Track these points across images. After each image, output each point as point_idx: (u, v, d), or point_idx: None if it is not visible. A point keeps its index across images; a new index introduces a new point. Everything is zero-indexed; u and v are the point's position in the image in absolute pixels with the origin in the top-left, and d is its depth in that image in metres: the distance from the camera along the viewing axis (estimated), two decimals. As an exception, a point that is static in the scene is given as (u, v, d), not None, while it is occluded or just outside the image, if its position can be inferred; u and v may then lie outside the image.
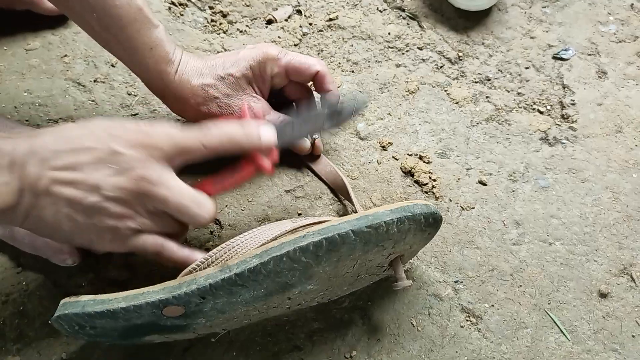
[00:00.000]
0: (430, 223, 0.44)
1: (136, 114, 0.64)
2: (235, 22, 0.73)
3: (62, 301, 0.42)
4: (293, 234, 0.41)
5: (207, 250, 0.55)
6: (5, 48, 0.69)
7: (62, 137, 0.41)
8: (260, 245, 0.42)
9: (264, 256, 0.39)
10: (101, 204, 0.40)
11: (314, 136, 0.56)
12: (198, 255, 0.44)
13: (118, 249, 0.44)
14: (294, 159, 0.60)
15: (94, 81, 0.67)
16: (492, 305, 0.51)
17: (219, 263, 0.43)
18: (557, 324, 0.50)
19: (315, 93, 0.60)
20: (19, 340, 0.50)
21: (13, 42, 0.70)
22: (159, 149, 0.42)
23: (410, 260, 0.54)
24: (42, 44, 0.70)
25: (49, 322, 0.50)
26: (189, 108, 0.55)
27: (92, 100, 0.65)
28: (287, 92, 0.57)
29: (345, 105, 0.53)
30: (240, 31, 0.72)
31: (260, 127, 0.45)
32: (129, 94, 0.66)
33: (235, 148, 0.44)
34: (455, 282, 0.52)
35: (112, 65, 0.68)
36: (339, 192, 0.58)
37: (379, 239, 0.41)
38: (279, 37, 0.71)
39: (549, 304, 0.51)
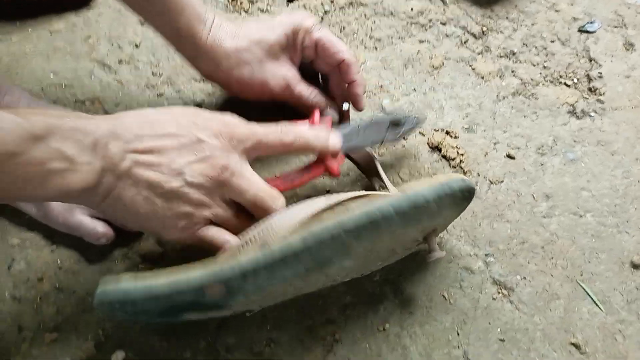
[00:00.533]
0: (465, 196, 0.45)
1: (162, 94, 0.64)
2: (256, 1, 0.72)
3: (101, 281, 0.42)
4: (332, 211, 0.42)
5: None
6: (29, 30, 0.70)
7: (145, 122, 0.42)
8: (302, 223, 0.42)
9: (304, 234, 0.40)
10: (182, 189, 0.41)
11: (344, 108, 0.56)
12: None
13: (185, 238, 0.44)
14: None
15: (119, 62, 0.67)
16: (524, 278, 0.51)
17: (257, 241, 0.43)
18: (589, 295, 0.50)
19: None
20: (56, 316, 0.51)
21: (37, 24, 0.70)
22: (241, 142, 0.44)
23: (440, 234, 0.54)
24: (66, 26, 0.70)
25: (91, 300, 0.51)
26: (220, 72, 0.54)
27: (118, 81, 0.66)
28: (316, 65, 0.57)
29: (407, 118, 0.54)
30: (261, 10, 0.72)
31: (330, 133, 0.48)
32: (153, 74, 0.66)
33: (307, 150, 0.48)
34: (486, 255, 0.53)
35: (136, 46, 0.68)
36: (366, 168, 0.58)
37: (418, 216, 0.42)
38: (300, 15, 0.71)
39: (581, 275, 0.51)
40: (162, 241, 0.55)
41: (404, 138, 0.59)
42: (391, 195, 0.42)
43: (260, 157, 0.47)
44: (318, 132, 0.48)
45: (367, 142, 0.53)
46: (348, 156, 0.57)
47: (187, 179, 0.41)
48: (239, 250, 0.43)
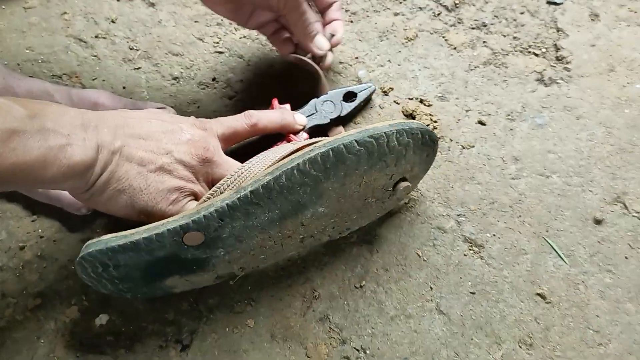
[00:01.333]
0: (426, 141, 0.46)
1: (139, 68, 0.65)
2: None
3: (85, 244, 0.43)
4: (300, 152, 0.44)
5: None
6: (3, 7, 0.69)
7: (128, 116, 0.46)
8: (270, 165, 0.44)
9: (275, 172, 0.42)
10: (172, 165, 0.45)
11: (330, 33, 0.58)
12: None
13: (173, 212, 0.46)
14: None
15: (95, 37, 0.67)
16: (494, 235, 0.54)
17: (232, 188, 0.45)
18: (555, 250, 0.53)
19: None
20: (39, 283, 0.52)
21: (11, 1, 0.70)
22: (213, 129, 0.50)
23: (413, 196, 0.56)
24: (40, 2, 0.70)
25: (73, 267, 0.52)
26: None
27: (95, 56, 0.66)
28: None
29: (360, 88, 0.60)
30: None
31: (294, 114, 0.55)
32: (130, 49, 0.67)
33: (273, 129, 0.53)
34: (458, 215, 0.55)
35: (112, 21, 0.69)
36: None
37: (382, 152, 0.44)
38: (277, -11, 0.71)
39: (547, 231, 0.54)
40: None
41: (367, 106, 0.62)
42: (353, 131, 0.44)
43: (241, 140, 0.54)
44: (282, 112, 0.55)
45: (327, 118, 0.58)
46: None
47: (175, 156, 0.45)
48: (216, 197, 0.45)
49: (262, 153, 0.48)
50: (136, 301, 0.51)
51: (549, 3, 0.69)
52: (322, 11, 0.60)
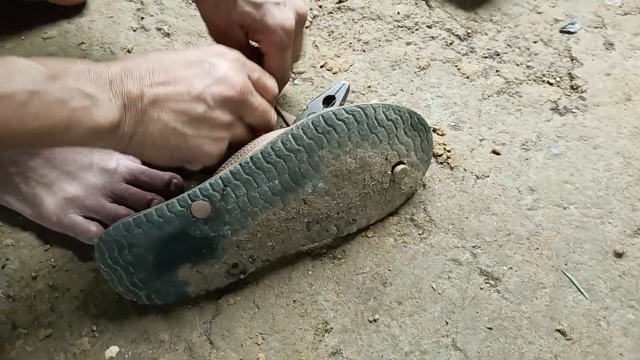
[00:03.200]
0: (416, 123, 0.50)
1: (154, 97, 0.66)
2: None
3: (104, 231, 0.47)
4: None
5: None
6: (23, 37, 0.71)
7: (153, 59, 0.43)
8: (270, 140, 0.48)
9: (271, 141, 0.46)
10: (207, 113, 0.43)
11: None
12: None
13: (214, 163, 0.48)
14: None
15: (112, 67, 0.68)
16: (510, 268, 0.52)
17: (230, 165, 0.48)
18: (574, 284, 0.51)
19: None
20: (50, 313, 0.52)
21: (30, 31, 0.72)
22: (246, 66, 0.47)
23: (427, 226, 0.55)
24: (59, 32, 0.72)
25: (85, 296, 0.52)
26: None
27: (111, 85, 0.67)
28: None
29: (336, 89, 0.57)
30: (252, 15, 0.73)
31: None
32: (146, 78, 0.67)
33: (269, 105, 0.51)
34: (473, 247, 0.54)
35: (128, 51, 0.70)
36: None
37: (371, 124, 0.47)
38: (290, 19, 0.72)
39: (565, 264, 0.52)
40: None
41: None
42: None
43: None
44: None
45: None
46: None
47: (209, 102, 0.43)
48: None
49: (264, 135, 0.51)
50: (147, 332, 0.51)
51: (563, 32, 0.69)
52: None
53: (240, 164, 0.45)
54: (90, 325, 0.51)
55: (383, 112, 0.48)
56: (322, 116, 0.46)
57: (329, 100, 0.56)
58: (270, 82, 0.51)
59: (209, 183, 0.45)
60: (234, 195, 0.46)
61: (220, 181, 0.45)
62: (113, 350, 0.50)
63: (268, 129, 0.51)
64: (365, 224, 0.54)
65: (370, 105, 0.48)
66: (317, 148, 0.47)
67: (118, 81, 0.40)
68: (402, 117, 0.50)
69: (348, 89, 0.57)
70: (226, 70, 0.44)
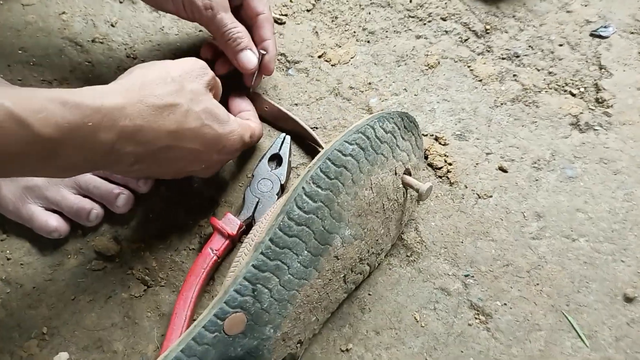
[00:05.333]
0: (408, 124, 0.47)
1: (134, 78, 0.60)
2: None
3: None
4: (297, 180, 0.41)
5: (201, 227, 0.52)
6: (1, 2, 0.66)
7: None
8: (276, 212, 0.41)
9: (285, 209, 0.39)
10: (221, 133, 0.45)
11: (261, 51, 0.53)
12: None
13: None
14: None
15: (92, 41, 0.63)
16: (505, 304, 0.47)
17: (247, 254, 0.40)
18: (574, 328, 0.46)
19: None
20: (0, 309, 0.48)
21: (10, -4, 0.66)
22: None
23: (417, 248, 0.50)
24: (39, -1, 0.66)
25: (38, 294, 0.48)
26: None
27: (89, 62, 0.62)
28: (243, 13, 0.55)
29: (278, 145, 0.53)
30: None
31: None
32: (127, 57, 0.62)
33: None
34: (466, 276, 0.48)
35: (112, 25, 0.64)
36: (298, 134, 0.56)
37: (375, 145, 0.43)
38: (290, 1, 0.66)
39: (567, 305, 0.46)
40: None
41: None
42: (337, 137, 0.43)
43: None
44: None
45: (273, 198, 0.50)
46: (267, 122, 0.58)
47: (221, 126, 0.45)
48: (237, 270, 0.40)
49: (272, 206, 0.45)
50: (100, 340, 0.47)
51: (593, 35, 0.62)
52: (250, 27, 0.54)
53: (262, 252, 0.38)
54: (41, 327, 0.47)
55: (380, 126, 0.43)
56: (329, 159, 0.40)
57: (274, 160, 0.52)
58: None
59: (234, 289, 0.38)
60: (267, 290, 0.39)
61: (247, 282, 0.38)
62: (63, 356, 0.46)
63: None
64: (390, 247, 0.49)
65: (367, 125, 0.42)
66: (335, 196, 0.41)
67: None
68: (397, 123, 0.45)
69: (290, 143, 0.53)
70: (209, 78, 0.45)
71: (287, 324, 0.40)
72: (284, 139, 0.53)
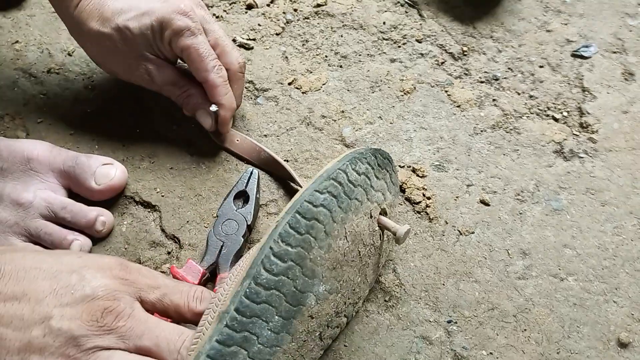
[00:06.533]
0: (382, 161, 0.43)
1: (92, 112, 0.56)
2: (211, 6, 0.64)
3: None
4: (264, 237, 0.36)
5: (164, 272, 0.48)
6: (-52, 32, 0.61)
7: (14, 259, 0.34)
8: (245, 271, 0.36)
9: (251, 273, 0.34)
10: (43, 339, 0.31)
11: (212, 109, 0.50)
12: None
13: None
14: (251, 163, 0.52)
15: (47, 72, 0.59)
16: (491, 353, 0.43)
17: (210, 323, 0.35)
18: (566, 379, 0.42)
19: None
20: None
21: (-41, 25, 0.62)
22: (139, 289, 0.35)
23: (396, 292, 0.46)
24: (-10, 27, 0.62)
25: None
26: (88, 49, 0.51)
27: (44, 94, 0.58)
28: None
29: (245, 183, 0.49)
30: (217, 16, 0.63)
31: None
32: (85, 88, 0.58)
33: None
34: (449, 322, 0.45)
35: (69, 54, 0.60)
36: (270, 167, 0.53)
37: (348, 190, 0.39)
38: (259, 24, 0.62)
39: (557, 353, 0.43)
40: None
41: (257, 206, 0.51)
42: (307, 184, 0.39)
43: None
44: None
45: (238, 240, 0.47)
46: (242, 157, 0.54)
47: (53, 324, 0.31)
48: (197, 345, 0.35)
49: (237, 265, 0.39)
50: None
51: (575, 56, 0.59)
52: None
53: (226, 325, 0.34)
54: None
55: (353, 169, 0.39)
56: (298, 212, 0.36)
57: (240, 197, 0.49)
58: (184, 299, 0.37)
59: None
60: None
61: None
62: None
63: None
64: (367, 292, 0.45)
65: (339, 170, 0.39)
66: (306, 253, 0.37)
67: None
68: (370, 162, 0.42)
69: (259, 178, 0.50)
70: (98, 287, 0.33)
71: None
72: (251, 173, 0.49)
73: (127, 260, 0.37)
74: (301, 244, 0.36)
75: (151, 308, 0.36)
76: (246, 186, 0.49)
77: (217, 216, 0.48)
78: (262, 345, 0.35)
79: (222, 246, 0.46)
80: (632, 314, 0.45)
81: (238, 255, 0.47)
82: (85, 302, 0.32)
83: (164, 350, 0.33)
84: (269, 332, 0.35)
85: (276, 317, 0.35)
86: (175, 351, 0.33)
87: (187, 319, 0.37)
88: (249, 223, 0.47)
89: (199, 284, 0.44)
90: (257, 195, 0.49)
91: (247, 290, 0.34)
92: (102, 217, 0.48)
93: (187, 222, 0.50)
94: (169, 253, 0.49)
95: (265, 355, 0.35)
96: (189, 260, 0.45)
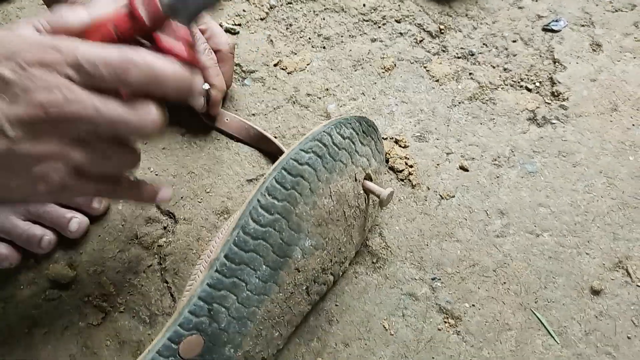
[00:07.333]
0: (367, 128, 0.45)
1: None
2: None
3: None
4: (252, 192, 0.39)
5: (160, 247, 0.50)
6: (-61, 26, 0.63)
7: None
8: (231, 228, 0.38)
9: (240, 223, 0.37)
10: (13, 149, 0.30)
11: (203, 86, 0.52)
12: (148, 188, 0.40)
13: (64, 199, 0.36)
14: (252, 147, 0.54)
15: (39, 61, 0.61)
16: (473, 305, 0.46)
17: (202, 272, 0.38)
18: (544, 325, 0.45)
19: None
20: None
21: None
22: (59, 65, 0.30)
23: (383, 254, 0.49)
24: (-20, 21, 0.64)
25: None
26: None
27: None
28: None
29: None
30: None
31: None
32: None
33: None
34: (433, 279, 0.47)
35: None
36: (259, 144, 0.55)
37: (332, 152, 0.41)
38: (243, 10, 0.65)
39: (535, 302, 0.46)
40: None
41: None
42: (293, 146, 0.41)
43: None
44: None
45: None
46: (232, 136, 0.55)
47: (9, 134, 0.30)
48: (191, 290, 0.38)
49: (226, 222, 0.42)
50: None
51: (545, 30, 0.62)
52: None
53: (217, 270, 0.36)
54: (-7, 365, 0.45)
55: (338, 132, 0.42)
56: (284, 169, 0.39)
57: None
58: (123, 65, 0.31)
59: (189, 311, 0.36)
60: (224, 309, 0.37)
61: (201, 302, 0.36)
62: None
63: (144, 133, 0.34)
64: (354, 254, 0.48)
65: (324, 132, 0.41)
66: (292, 207, 0.39)
67: None
68: (355, 128, 0.44)
69: None
70: (22, 85, 0.29)
71: (248, 342, 0.39)
72: None
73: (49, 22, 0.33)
74: (287, 198, 0.38)
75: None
76: None
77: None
78: (251, 292, 0.37)
79: None
80: (604, 264, 0.48)
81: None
82: (20, 101, 0.30)
83: (126, 131, 0.33)
84: (257, 280, 0.38)
85: (264, 266, 0.38)
86: None
87: None
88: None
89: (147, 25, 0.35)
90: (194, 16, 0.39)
91: (236, 238, 0.37)
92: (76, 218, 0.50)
93: (182, 198, 0.52)
94: (164, 228, 0.51)
95: (254, 302, 0.38)
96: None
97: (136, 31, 0.35)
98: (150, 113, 0.33)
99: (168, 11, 0.35)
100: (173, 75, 0.33)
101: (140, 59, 0.32)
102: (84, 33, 0.34)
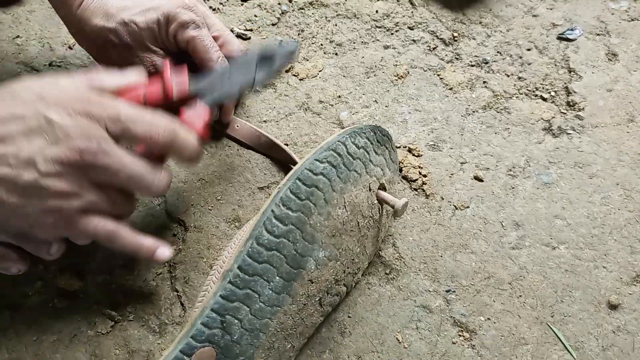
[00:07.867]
0: (381, 137, 0.45)
1: (94, 102, 0.58)
2: (207, 0, 0.66)
3: None
4: (267, 201, 0.39)
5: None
6: (-50, 28, 0.63)
7: None
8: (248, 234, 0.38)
9: (254, 234, 0.37)
10: (39, 181, 0.35)
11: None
12: (148, 241, 0.41)
13: (62, 235, 0.38)
14: (265, 156, 0.54)
15: (49, 65, 0.60)
16: (488, 319, 0.45)
17: (215, 283, 0.38)
18: (561, 340, 0.44)
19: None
20: (-46, 358, 0.45)
21: (-41, 21, 0.63)
22: (102, 120, 0.36)
23: (396, 265, 0.48)
24: (-9, 23, 0.63)
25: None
26: (92, 49, 0.51)
27: (46, 87, 0.59)
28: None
29: (276, 51, 0.48)
30: (213, 9, 0.65)
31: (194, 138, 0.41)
32: (87, 80, 0.59)
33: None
34: (447, 291, 0.47)
35: (70, 48, 0.62)
36: (270, 152, 0.54)
37: (347, 162, 0.41)
38: (255, 15, 0.64)
39: (552, 316, 0.45)
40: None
41: (279, 73, 0.51)
42: (307, 155, 0.41)
43: None
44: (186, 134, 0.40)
45: (235, 87, 0.46)
46: (242, 143, 0.54)
47: (40, 168, 0.35)
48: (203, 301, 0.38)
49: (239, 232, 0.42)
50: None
51: (560, 39, 0.61)
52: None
53: (230, 281, 0.36)
54: (0, 373, 0.44)
55: (352, 142, 0.42)
56: (299, 179, 0.38)
57: (266, 58, 0.47)
58: (153, 128, 0.38)
59: (202, 322, 0.36)
60: (236, 320, 0.37)
61: (214, 314, 0.36)
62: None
63: (147, 191, 0.39)
64: (367, 265, 0.47)
65: (339, 142, 0.41)
66: (306, 218, 0.39)
67: None
68: (369, 137, 0.44)
69: (293, 53, 0.48)
70: (65, 130, 0.35)
71: (260, 354, 0.38)
72: (290, 47, 0.48)
73: (84, 88, 0.38)
74: (301, 209, 0.38)
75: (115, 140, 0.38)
76: (277, 52, 0.47)
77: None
78: (264, 303, 0.37)
79: (219, 80, 0.46)
80: (621, 278, 0.47)
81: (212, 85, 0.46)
82: (61, 144, 0.35)
83: (137, 187, 0.38)
84: (270, 291, 0.37)
85: (277, 277, 0.37)
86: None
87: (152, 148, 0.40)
88: (255, 80, 0.47)
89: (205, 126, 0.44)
90: (274, 68, 0.47)
91: (250, 249, 0.36)
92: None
93: (192, 205, 0.51)
94: (174, 235, 0.50)
95: (267, 314, 0.37)
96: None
97: (163, 102, 0.43)
98: (163, 178, 0.39)
99: (195, 93, 0.44)
100: (192, 146, 0.40)
101: (172, 127, 0.39)
102: (115, 93, 0.40)
